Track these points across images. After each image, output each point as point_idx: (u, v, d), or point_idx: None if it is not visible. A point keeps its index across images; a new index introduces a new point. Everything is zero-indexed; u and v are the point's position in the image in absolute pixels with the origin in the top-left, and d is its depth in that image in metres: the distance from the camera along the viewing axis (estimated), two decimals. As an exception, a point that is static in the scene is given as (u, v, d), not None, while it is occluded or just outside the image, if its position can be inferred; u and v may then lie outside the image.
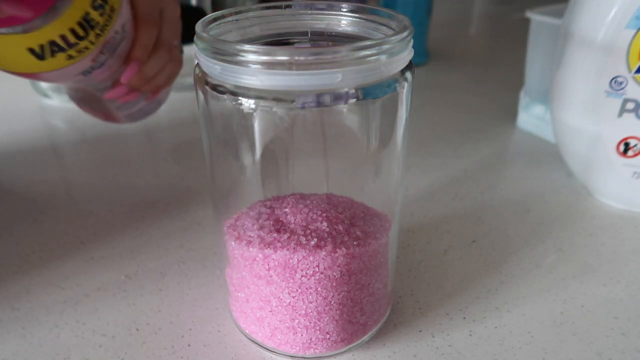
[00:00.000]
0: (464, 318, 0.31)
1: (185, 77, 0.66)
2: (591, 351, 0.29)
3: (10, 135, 0.55)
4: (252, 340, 0.29)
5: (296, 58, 0.20)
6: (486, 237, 0.38)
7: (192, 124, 0.57)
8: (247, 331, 0.29)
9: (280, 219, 0.26)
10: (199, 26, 0.23)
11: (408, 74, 0.24)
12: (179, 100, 0.64)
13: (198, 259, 0.36)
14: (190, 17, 0.61)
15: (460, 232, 0.38)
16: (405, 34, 0.22)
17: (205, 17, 0.24)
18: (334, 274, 0.25)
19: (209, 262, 0.35)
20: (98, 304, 0.32)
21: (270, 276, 0.25)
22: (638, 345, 0.29)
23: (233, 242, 0.26)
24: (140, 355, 0.28)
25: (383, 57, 0.22)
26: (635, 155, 0.39)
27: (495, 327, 0.30)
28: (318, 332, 0.27)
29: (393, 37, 0.22)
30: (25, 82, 0.65)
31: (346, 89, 0.21)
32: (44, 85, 0.63)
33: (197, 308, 0.31)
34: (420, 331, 0.30)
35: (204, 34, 0.22)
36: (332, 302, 0.26)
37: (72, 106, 0.62)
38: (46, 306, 0.32)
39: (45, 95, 0.63)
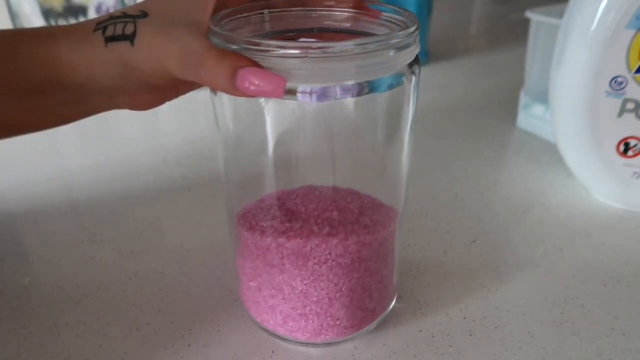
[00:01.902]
0: (464, 318, 0.31)
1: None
2: (591, 351, 0.29)
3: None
4: (264, 329, 0.29)
5: (307, 52, 0.20)
6: (486, 237, 0.38)
7: (192, 124, 0.57)
8: (258, 320, 0.29)
9: (292, 209, 0.27)
10: (211, 22, 0.24)
11: (415, 67, 0.24)
12: (178, 100, 0.64)
13: (198, 259, 0.36)
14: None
15: (460, 232, 0.38)
16: (412, 28, 0.23)
17: (218, 14, 0.24)
18: (345, 261, 0.25)
19: (209, 262, 0.35)
20: (98, 304, 0.32)
21: (284, 264, 0.26)
22: (638, 345, 0.29)
23: (246, 232, 0.27)
24: (140, 355, 0.28)
25: (391, 51, 0.22)
26: (635, 155, 0.39)
27: (495, 327, 0.30)
28: (329, 318, 0.27)
29: (400, 32, 0.22)
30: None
31: (354, 82, 0.22)
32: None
33: (197, 308, 0.31)
34: (420, 331, 0.30)
35: (217, 29, 0.23)
36: (342, 289, 0.26)
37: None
38: (46, 306, 0.32)
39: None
